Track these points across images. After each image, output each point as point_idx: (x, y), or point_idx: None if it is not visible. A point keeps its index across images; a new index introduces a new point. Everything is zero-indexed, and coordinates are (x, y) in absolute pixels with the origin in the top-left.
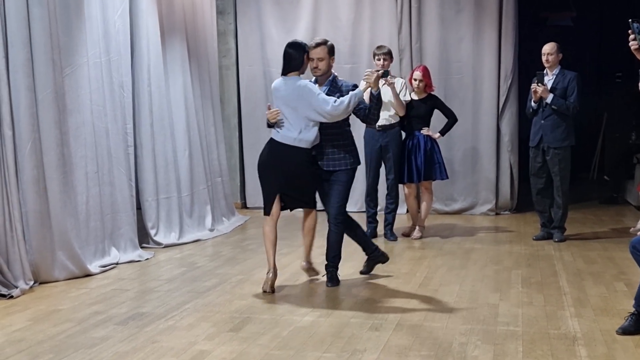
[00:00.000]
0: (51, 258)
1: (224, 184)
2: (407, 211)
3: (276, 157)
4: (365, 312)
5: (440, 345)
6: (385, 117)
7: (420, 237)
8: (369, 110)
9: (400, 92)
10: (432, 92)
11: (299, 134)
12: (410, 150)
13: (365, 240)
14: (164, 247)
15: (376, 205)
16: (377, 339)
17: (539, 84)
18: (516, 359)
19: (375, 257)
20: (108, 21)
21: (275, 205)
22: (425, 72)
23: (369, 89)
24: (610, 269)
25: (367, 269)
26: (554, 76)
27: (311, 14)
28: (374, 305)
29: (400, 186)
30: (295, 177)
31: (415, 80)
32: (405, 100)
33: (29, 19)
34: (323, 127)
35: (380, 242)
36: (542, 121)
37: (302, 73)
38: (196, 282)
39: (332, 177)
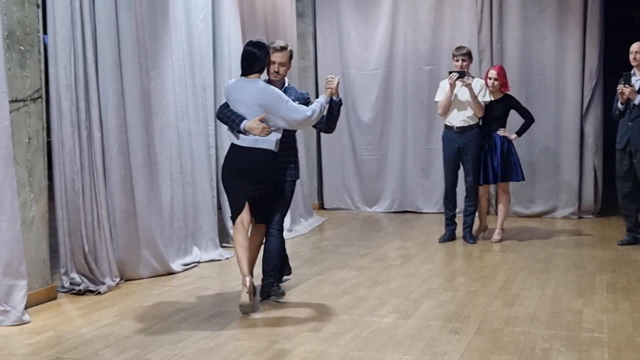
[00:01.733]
0: (136, 256)
1: (302, 185)
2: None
3: (242, 162)
4: (445, 315)
5: (523, 351)
6: (463, 118)
7: (500, 240)
8: (327, 119)
9: (479, 93)
10: (508, 92)
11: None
12: (486, 152)
13: (283, 267)
14: None
15: (455, 207)
16: (458, 342)
17: (626, 85)
18: None
19: (274, 289)
20: (191, 24)
21: (246, 212)
22: (501, 71)
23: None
24: None
25: (262, 295)
26: None
27: (390, 16)
28: (453, 309)
29: None
30: (260, 182)
31: (490, 79)
32: (484, 102)
33: (117, 24)
34: None
35: (459, 245)
36: (630, 123)
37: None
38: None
39: (277, 187)
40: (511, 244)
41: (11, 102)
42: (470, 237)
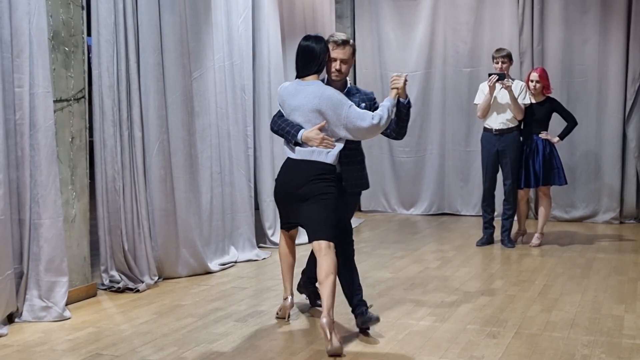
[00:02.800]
0: (175, 255)
1: None
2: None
3: (291, 176)
4: (482, 319)
5: (562, 357)
6: (503, 120)
7: (539, 245)
8: (396, 124)
9: (519, 95)
10: (550, 95)
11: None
12: (528, 155)
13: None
14: None
15: (493, 210)
16: (495, 346)
17: None
18: None
19: (368, 317)
20: (232, 26)
21: (294, 230)
22: (543, 74)
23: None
24: None
25: (362, 326)
26: None
27: (430, 17)
28: (491, 312)
29: None
30: (311, 201)
31: (532, 81)
32: (524, 104)
33: (160, 25)
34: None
35: (497, 249)
36: None
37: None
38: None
39: (349, 198)
40: (550, 249)
41: (55, 102)
42: (508, 241)
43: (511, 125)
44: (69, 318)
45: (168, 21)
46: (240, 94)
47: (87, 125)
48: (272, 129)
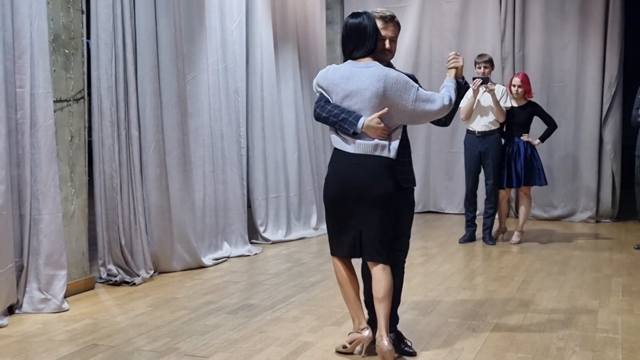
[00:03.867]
0: (170, 250)
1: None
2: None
3: (355, 175)
4: (463, 313)
5: (538, 349)
6: (485, 123)
7: (519, 242)
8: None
9: (500, 99)
10: (532, 99)
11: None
12: (510, 156)
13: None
14: (272, 243)
15: (475, 209)
16: (474, 339)
17: None
18: None
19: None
20: (226, 31)
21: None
22: (525, 79)
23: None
24: None
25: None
26: None
27: (417, 23)
28: (471, 307)
29: None
30: (376, 206)
31: (514, 86)
32: (505, 107)
33: (156, 29)
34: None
35: (478, 246)
36: None
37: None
38: (301, 277)
39: (403, 197)
40: (530, 246)
41: (55, 102)
42: (489, 239)
43: (493, 127)
44: (67, 310)
45: (164, 25)
46: (234, 96)
47: (86, 124)
48: (320, 117)
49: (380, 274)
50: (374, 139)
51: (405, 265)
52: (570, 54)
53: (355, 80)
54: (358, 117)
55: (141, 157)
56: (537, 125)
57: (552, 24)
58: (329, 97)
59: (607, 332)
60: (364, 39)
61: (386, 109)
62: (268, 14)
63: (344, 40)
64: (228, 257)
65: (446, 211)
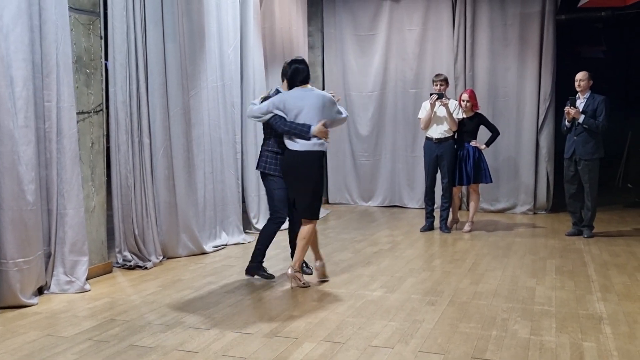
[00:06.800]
0: (176, 239)
1: None
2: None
3: (298, 165)
4: (423, 290)
5: (486, 320)
6: (441, 131)
7: (470, 231)
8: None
9: (453, 111)
10: (478, 111)
11: (318, 139)
12: (461, 159)
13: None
14: None
15: (433, 203)
16: (433, 312)
17: (572, 107)
18: (550, 333)
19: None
20: (223, 54)
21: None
22: (472, 94)
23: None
24: (632, 262)
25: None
26: (585, 99)
27: (384, 49)
28: (430, 285)
29: None
30: (310, 182)
31: (463, 101)
32: (457, 118)
33: (164, 52)
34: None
35: (436, 234)
36: (575, 137)
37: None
38: (288, 261)
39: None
40: (479, 234)
41: (78, 114)
42: (445, 228)
43: (447, 135)
44: (89, 290)
45: (171, 49)
46: (230, 108)
47: (105, 133)
48: (283, 130)
49: (304, 227)
50: (320, 139)
51: (374, 251)
52: (511, 74)
53: (307, 99)
54: (309, 127)
55: (152, 160)
56: (484, 133)
57: (497, 49)
58: (285, 116)
59: (543, 304)
60: (305, 74)
61: (326, 119)
62: (259, 40)
63: (293, 76)
64: (226, 245)
65: (409, 205)
